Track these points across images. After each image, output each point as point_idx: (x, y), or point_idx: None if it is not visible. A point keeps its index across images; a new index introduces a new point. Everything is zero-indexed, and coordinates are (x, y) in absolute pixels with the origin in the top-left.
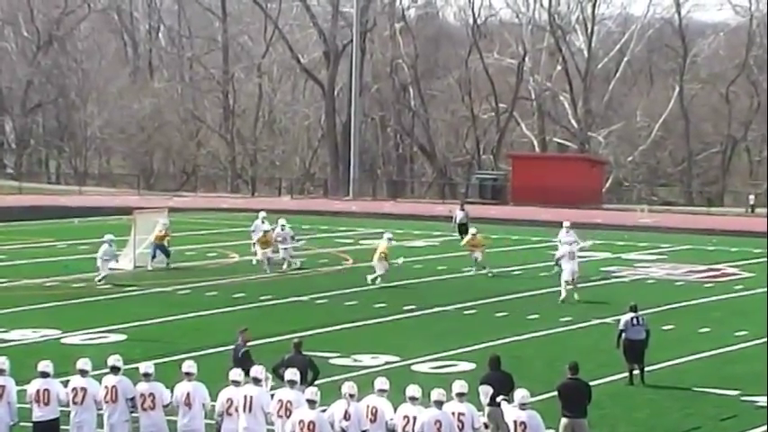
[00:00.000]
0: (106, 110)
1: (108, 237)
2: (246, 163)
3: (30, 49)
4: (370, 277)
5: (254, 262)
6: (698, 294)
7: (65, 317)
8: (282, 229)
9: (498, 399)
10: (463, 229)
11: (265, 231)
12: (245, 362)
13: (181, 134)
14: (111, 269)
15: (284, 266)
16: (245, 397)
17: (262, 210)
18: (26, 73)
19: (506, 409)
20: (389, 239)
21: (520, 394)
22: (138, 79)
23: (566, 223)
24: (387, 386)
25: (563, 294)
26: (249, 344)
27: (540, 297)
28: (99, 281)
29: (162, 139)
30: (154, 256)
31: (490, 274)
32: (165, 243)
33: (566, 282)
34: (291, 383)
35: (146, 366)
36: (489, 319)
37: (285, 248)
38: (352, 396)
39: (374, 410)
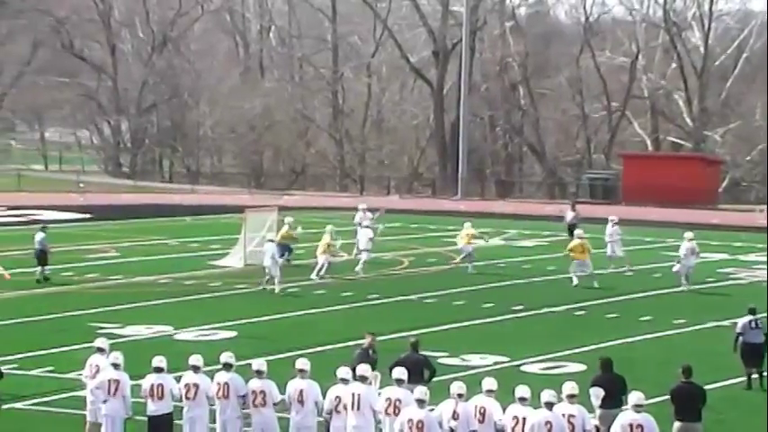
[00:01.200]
0: (218, 109)
1: (270, 235)
2: (355, 162)
3: (145, 50)
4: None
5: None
6: None
7: (177, 313)
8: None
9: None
10: (572, 230)
11: (333, 240)
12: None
13: (290, 133)
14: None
15: (358, 268)
16: (353, 395)
17: (363, 203)
18: (141, 74)
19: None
20: (579, 236)
21: (635, 396)
22: (249, 79)
23: (611, 217)
24: (495, 386)
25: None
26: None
27: (652, 298)
28: (267, 282)
29: (272, 139)
30: (282, 255)
31: (469, 269)
32: (289, 242)
33: (680, 275)
34: (399, 382)
35: (258, 364)
36: (600, 320)
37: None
38: (460, 396)
39: (482, 410)
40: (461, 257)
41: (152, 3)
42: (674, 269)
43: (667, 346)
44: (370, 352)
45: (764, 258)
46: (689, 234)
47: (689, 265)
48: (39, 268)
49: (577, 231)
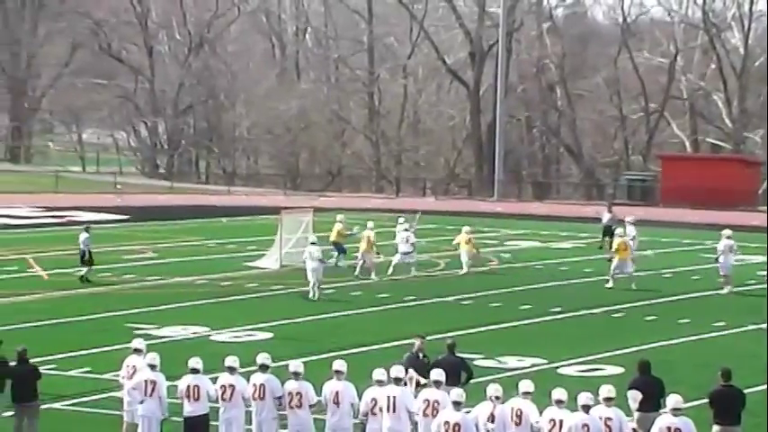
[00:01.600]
0: (254, 111)
1: (312, 237)
2: (391, 163)
3: (182, 51)
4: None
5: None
6: None
7: (214, 314)
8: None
9: None
10: (608, 232)
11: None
12: (416, 366)
13: (326, 135)
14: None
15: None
16: (389, 397)
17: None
18: (178, 75)
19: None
20: (620, 235)
21: (673, 399)
22: (285, 80)
23: (628, 218)
24: (532, 389)
25: (725, 290)
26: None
27: (691, 301)
28: (315, 286)
29: (308, 140)
30: (339, 254)
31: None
32: (343, 240)
33: (726, 276)
34: (437, 383)
35: (295, 365)
36: (638, 322)
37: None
38: (497, 398)
39: (519, 413)
40: (467, 265)
41: (189, 5)
42: (722, 272)
43: (706, 348)
44: (420, 355)
45: None
46: (727, 231)
47: (728, 264)
48: (84, 268)
49: (618, 230)
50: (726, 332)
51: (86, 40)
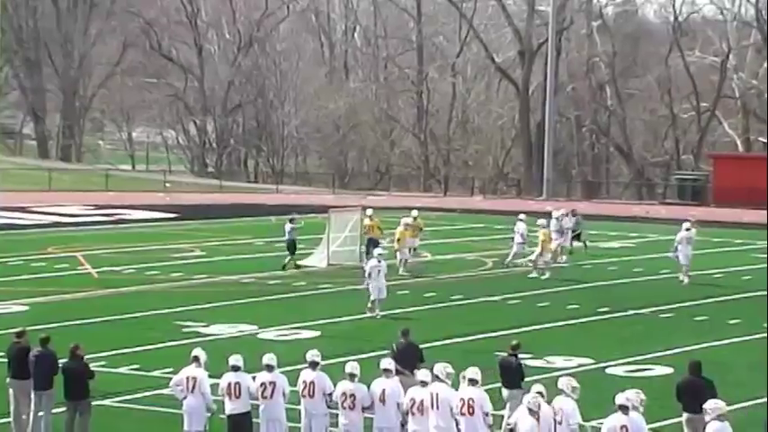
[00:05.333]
0: (303, 110)
1: (379, 249)
2: (439, 162)
3: (231, 50)
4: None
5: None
6: None
7: (261, 313)
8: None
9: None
10: (575, 235)
11: (407, 225)
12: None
13: (375, 134)
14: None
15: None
16: (432, 395)
17: (516, 215)
18: (227, 74)
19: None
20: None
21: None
22: (334, 79)
23: (555, 212)
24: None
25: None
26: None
27: (742, 301)
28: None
29: (356, 139)
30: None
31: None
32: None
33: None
34: (472, 382)
35: (352, 367)
36: (687, 322)
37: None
38: (535, 410)
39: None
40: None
41: (238, 4)
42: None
43: (758, 349)
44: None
45: None
46: (686, 224)
47: (686, 253)
48: (289, 256)
49: (540, 221)
50: None
51: (137, 39)
